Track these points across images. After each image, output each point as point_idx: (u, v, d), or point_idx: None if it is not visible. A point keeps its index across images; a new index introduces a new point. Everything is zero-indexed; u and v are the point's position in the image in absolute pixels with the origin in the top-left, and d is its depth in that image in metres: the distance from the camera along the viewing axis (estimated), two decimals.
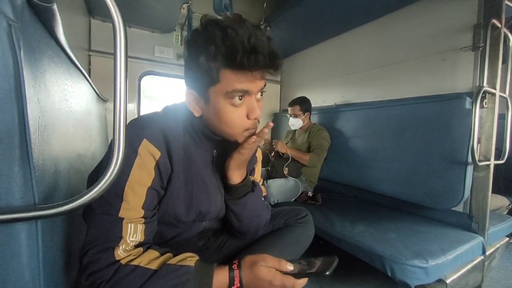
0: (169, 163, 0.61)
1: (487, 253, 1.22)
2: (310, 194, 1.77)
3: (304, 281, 0.56)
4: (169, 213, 0.65)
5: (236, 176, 0.71)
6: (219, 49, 0.52)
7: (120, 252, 0.53)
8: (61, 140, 0.58)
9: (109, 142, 0.55)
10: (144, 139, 0.56)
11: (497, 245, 1.34)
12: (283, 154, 1.98)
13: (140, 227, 0.56)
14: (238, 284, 0.55)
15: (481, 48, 1.23)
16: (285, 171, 1.83)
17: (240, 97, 0.58)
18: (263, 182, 1.72)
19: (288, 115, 2.03)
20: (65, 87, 0.64)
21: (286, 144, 2.15)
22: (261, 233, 0.84)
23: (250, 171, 0.84)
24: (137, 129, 0.57)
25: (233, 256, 0.80)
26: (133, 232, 0.55)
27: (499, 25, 1.18)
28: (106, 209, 0.54)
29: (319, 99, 2.29)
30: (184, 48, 0.54)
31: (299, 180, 1.85)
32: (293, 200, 1.78)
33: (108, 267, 0.51)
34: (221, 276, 0.56)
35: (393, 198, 1.54)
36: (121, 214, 0.54)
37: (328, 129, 1.93)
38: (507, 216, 1.53)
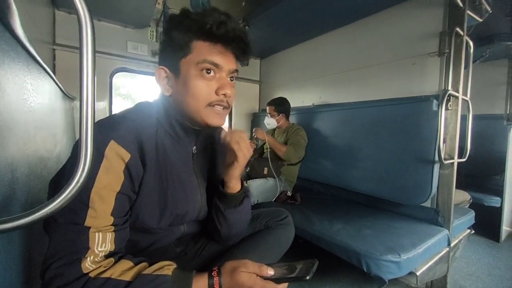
0: (141, 165, 0.58)
1: (452, 244, 1.31)
2: (289, 193, 1.78)
3: (284, 286, 0.56)
4: (142, 218, 0.61)
5: (237, 184, 0.72)
6: (192, 21, 0.58)
7: (88, 264, 0.49)
8: (19, 144, 0.52)
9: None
10: (112, 141, 0.52)
11: (460, 237, 1.45)
12: (261, 146, 2.01)
13: (110, 236, 0.52)
14: None
15: (446, 54, 1.32)
16: (265, 171, 1.84)
17: (208, 71, 0.60)
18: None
19: (267, 114, 2.04)
20: (24, 85, 0.58)
21: (264, 144, 2.16)
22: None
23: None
24: (104, 130, 0.53)
25: (212, 261, 0.78)
26: (102, 242, 0.51)
27: (461, 33, 1.27)
28: (70, 218, 0.49)
29: (297, 100, 2.32)
30: (162, 33, 0.57)
31: (279, 180, 1.86)
32: (273, 200, 1.79)
33: (76, 281, 0.47)
34: (200, 283, 0.54)
35: (368, 195, 1.61)
36: (87, 223, 0.49)
37: (306, 129, 1.96)
38: (468, 209, 1.67)
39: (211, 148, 0.79)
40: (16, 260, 0.47)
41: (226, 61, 0.61)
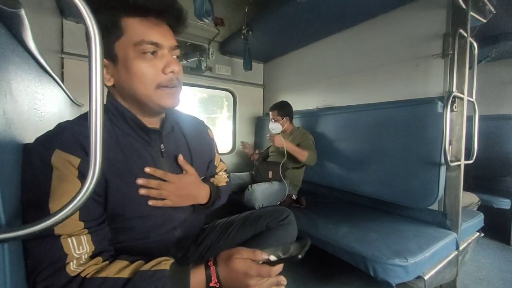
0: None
1: (460, 248, 1.29)
2: (294, 197, 1.78)
3: (279, 267, 0.57)
4: (124, 216, 0.60)
5: (202, 197, 0.74)
6: None
7: (74, 268, 0.49)
8: None
9: None
10: (56, 150, 0.50)
11: (469, 240, 1.43)
12: (266, 149, 1.96)
13: (85, 238, 0.51)
14: (216, 280, 0.54)
15: (450, 56, 1.31)
16: (270, 175, 1.84)
17: (152, 53, 0.56)
18: (248, 186, 1.72)
19: (270, 119, 2.05)
20: (35, 95, 0.60)
21: (269, 147, 2.16)
22: (243, 238, 0.85)
23: (208, 162, 0.84)
24: (44, 142, 0.51)
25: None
26: (77, 245, 0.50)
27: (465, 34, 1.26)
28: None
29: (301, 103, 2.32)
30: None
31: (283, 183, 1.86)
32: (278, 204, 1.79)
33: (68, 284, 0.47)
34: (197, 275, 0.54)
35: (373, 198, 1.59)
36: (57, 232, 0.48)
37: (311, 132, 1.96)
38: (477, 212, 1.64)
39: (186, 144, 0.75)
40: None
41: (165, 37, 0.58)
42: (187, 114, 0.82)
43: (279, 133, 2.07)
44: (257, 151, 1.97)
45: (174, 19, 0.60)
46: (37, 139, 0.52)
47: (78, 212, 0.51)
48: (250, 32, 1.97)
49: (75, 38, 1.84)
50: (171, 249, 0.74)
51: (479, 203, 1.89)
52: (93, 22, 0.36)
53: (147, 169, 0.61)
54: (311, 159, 1.82)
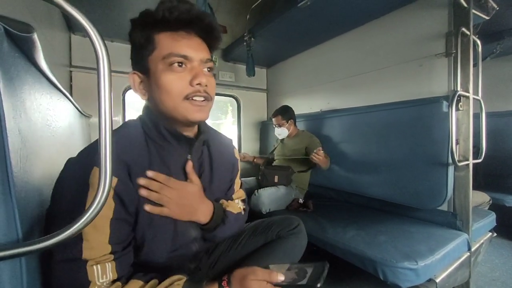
0: (133, 187, 0.56)
1: (472, 249, 1.26)
2: (301, 201, 1.78)
3: None
4: (150, 246, 0.60)
5: (202, 213, 0.67)
6: (146, 16, 0.57)
7: None
8: (44, 168, 0.56)
9: None
10: (94, 167, 0.50)
11: (481, 240, 1.40)
12: (271, 152, 1.98)
13: (109, 266, 0.51)
14: None
15: (453, 54, 1.30)
16: (276, 179, 1.84)
17: (179, 64, 0.57)
18: (254, 192, 1.72)
19: (274, 125, 2.06)
20: (47, 112, 0.63)
21: (274, 149, 2.17)
22: (254, 247, 0.85)
23: (230, 181, 0.81)
24: (84, 158, 0.52)
25: (225, 274, 0.79)
26: (102, 273, 0.50)
27: (468, 32, 1.25)
28: (66, 255, 0.48)
29: (305, 106, 2.33)
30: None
31: (290, 187, 1.86)
32: (285, 208, 1.79)
33: None
34: None
35: (381, 200, 1.58)
36: (84, 256, 0.49)
37: (315, 135, 1.96)
38: (488, 211, 1.60)
39: (208, 156, 0.75)
40: (42, 278, 0.50)
41: (194, 50, 0.58)
42: (218, 131, 0.84)
43: (285, 137, 2.07)
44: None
45: (204, 32, 0.61)
46: (80, 154, 0.54)
47: (108, 235, 0.51)
48: (252, 39, 2.00)
49: (82, 51, 1.90)
50: (187, 261, 0.74)
51: (491, 202, 1.85)
52: (101, 42, 0.38)
53: (149, 173, 0.58)
54: (329, 162, 1.81)
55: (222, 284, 0.56)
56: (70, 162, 0.55)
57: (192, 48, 0.58)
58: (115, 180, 0.52)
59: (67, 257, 0.49)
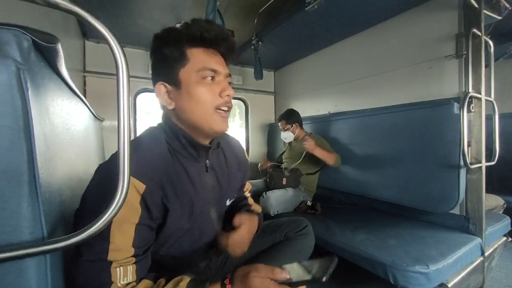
0: (161, 193, 0.60)
1: (486, 254, 1.23)
2: (309, 203, 1.78)
3: None
4: (172, 245, 0.65)
5: (255, 228, 0.80)
6: (181, 33, 0.63)
7: None
8: (64, 169, 0.59)
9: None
10: None
11: (496, 245, 1.36)
12: (279, 156, 1.96)
13: (131, 269, 0.55)
14: None
15: (464, 56, 1.29)
16: (283, 181, 1.85)
17: (211, 78, 0.64)
18: (262, 194, 1.73)
19: (280, 129, 2.07)
20: (67, 116, 0.66)
21: (284, 152, 2.17)
22: (262, 247, 0.86)
23: (242, 179, 0.89)
24: (112, 163, 0.55)
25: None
26: (123, 276, 0.53)
27: (479, 33, 1.24)
28: (92, 255, 0.52)
29: (312, 109, 2.33)
30: (150, 53, 0.60)
31: (298, 190, 1.86)
32: (293, 210, 1.79)
33: None
34: None
35: (391, 203, 1.56)
36: (110, 257, 0.52)
37: (324, 138, 1.96)
38: (503, 215, 1.56)
39: (224, 162, 0.81)
40: (65, 275, 0.53)
41: (221, 66, 0.66)
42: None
43: (291, 141, 2.08)
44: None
45: (227, 50, 0.68)
46: (112, 157, 0.58)
47: (133, 238, 0.55)
48: (260, 42, 2.02)
49: (96, 57, 1.97)
50: (198, 258, 0.77)
51: (505, 205, 1.80)
52: (120, 51, 0.40)
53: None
54: (338, 159, 1.79)
55: (225, 282, 0.56)
56: (101, 167, 0.60)
57: (220, 64, 0.66)
58: (143, 186, 0.56)
59: (94, 257, 0.52)
